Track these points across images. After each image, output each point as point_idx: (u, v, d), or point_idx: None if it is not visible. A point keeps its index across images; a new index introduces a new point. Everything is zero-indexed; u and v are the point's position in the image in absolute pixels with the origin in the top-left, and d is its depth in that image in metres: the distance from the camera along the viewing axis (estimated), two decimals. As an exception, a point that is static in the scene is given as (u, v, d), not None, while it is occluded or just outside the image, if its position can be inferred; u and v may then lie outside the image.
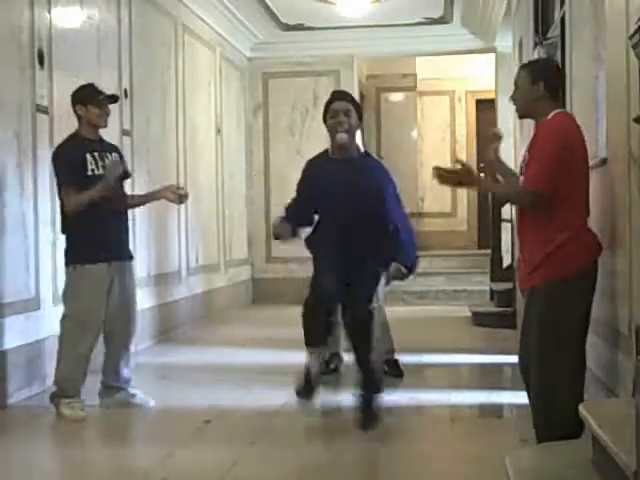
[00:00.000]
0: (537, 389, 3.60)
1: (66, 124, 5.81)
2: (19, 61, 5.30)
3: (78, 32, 6.15)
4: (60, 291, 5.65)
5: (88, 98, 4.86)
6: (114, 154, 4.99)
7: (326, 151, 4.74)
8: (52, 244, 5.60)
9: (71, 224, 4.85)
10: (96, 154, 4.85)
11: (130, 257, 5.10)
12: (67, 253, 4.90)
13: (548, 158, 3.51)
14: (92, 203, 4.74)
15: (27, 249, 5.33)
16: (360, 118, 4.62)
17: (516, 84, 3.81)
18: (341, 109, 4.53)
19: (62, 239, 4.99)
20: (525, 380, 3.73)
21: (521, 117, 4.01)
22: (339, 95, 4.72)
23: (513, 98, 3.84)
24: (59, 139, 5.66)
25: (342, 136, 4.51)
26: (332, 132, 4.56)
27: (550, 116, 3.63)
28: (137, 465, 4.00)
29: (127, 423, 4.88)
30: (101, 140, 4.98)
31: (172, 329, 7.80)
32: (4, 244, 5.10)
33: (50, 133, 5.62)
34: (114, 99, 5.03)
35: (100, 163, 4.85)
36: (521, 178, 3.73)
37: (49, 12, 5.65)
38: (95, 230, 4.78)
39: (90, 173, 4.80)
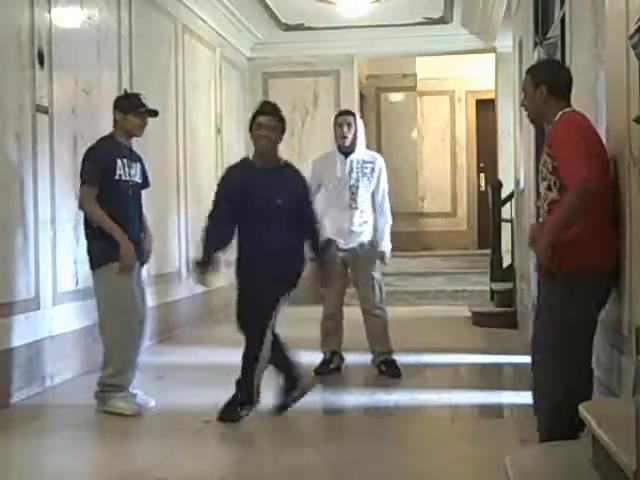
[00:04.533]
0: (543, 388, 3.60)
1: (66, 124, 5.83)
2: (19, 61, 5.30)
3: (78, 32, 6.15)
4: (60, 291, 5.67)
5: (130, 107, 4.97)
6: (138, 164, 5.09)
7: (246, 158, 4.89)
8: (52, 244, 5.60)
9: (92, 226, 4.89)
10: (126, 160, 4.95)
11: (142, 262, 5.14)
12: (95, 255, 4.91)
13: (575, 149, 3.45)
14: (114, 209, 4.82)
15: (27, 249, 5.33)
16: (282, 131, 4.78)
17: (524, 90, 3.81)
18: (264, 123, 4.68)
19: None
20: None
21: (532, 122, 4.00)
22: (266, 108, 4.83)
23: (523, 105, 3.85)
24: (59, 139, 5.68)
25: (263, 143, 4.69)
26: (255, 142, 4.73)
27: (558, 116, 3.63)
28: (137, 465, 4.00)
29: (127, 423, 4.87)
30: (130, 149, 5.08)
31: (172, 329, 7.80)
32: (4, 244, 5.10)
33: (50, 133, 5.62)
34: (155, 114, 5.14)
35: (127, 170, 4.94)
36: (543, 184, 3.70)
37: (49, 12, 5.64)
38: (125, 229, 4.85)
39: (117, 177, 4.88)
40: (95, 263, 4.91)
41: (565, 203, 3.47)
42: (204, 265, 4.69)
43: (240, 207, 4.68)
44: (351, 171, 5.82)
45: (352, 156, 5.85)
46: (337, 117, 5.97)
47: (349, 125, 5.83)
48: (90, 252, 4.93)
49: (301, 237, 4.74)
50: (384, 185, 5.98)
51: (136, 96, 5.13)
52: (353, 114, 6.03)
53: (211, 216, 4.84)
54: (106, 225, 4.79)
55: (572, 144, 3.49)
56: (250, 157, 4.86)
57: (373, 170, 5.89)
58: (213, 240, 4.73)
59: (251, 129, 4.73)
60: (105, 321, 4.95)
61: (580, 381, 3.55)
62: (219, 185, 4.89)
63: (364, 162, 5.88)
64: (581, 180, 3.40)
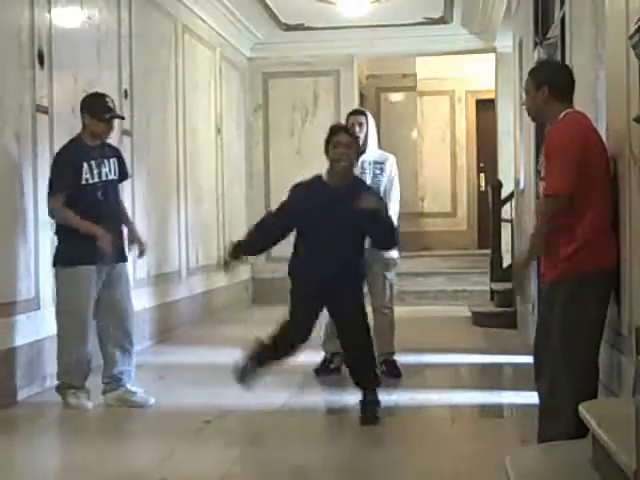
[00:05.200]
0: (548, 387, 3.60)
1: (66, 124, 5.82)
2: (19, 61, 5.30)
3: (78, 32, 6.15)
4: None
5: (97, 111, 4.97)
6: (113, 159, 5.08)
7: (319, 177, 4.79)
8: (52, 244, 5.60)
9: (63, 226, 4.97)
10: (93, 162, 4.95)
11: (124, 259, 5.17)
12: (61, 254, 5.01)
13: (562, 157, 3.50)
14: (83, 210, 4.88)
15: (27, 249, 5.33)
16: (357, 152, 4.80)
17: (526, 91, 3.82)
18: (344, 142, 4.64)
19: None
20: (536, 377, 3.74)
21: (534, 121, 4.01)
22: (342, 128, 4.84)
23: (525, 105, 3.85)
24: (59, 139, 5.67)
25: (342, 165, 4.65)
26: (332, 161, 4.68)
27: (561, 116, 3.64)
28: (137, 465, 4.00)
29: (127, 423, 4.87)
30: (102, 145, 5.06)
31: (172, 329, 7.80)
32: (4, 244, 5.10)
33: (50, 133, 5.62)
34: (121, 118, 5.33)
35: (96, 171, 4.96)
36: (541, 184, 3.72)
37: (49, 12, 5.64)
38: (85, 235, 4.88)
39: (84, 182, 4.91)
40: (58, 261, 5.00)
41: (542, 211, 3.64)
42: (236, 256, 4.74)
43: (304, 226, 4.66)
44: (363, 172, 5.76)
45: (363, 157, 5.76)
46: (348, 116, 5.92)
47: (360, 125, 5.77)
48: (57, 250, 5.02)
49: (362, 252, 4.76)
50: (397, 185, 5.93)
51: (103, 99, 5.08)
52: (365, 113, 5.96)
53: (266, 219, 4.89)
54: (77, 224, 4.87)
55: (563, 155, 3.51)
56: (323, 176, 4.76)
57: (384, 170, 5.85)
58: (249, 248, 4.82)
59: (327, 149, 4.69)
60: (57, 320, 5.03)
61: (590, 383, 3.56)
62: (289, 197, 4.79)
63: (375, 162, 5.83)
64: (553, 194, 3.53)
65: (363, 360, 4.69)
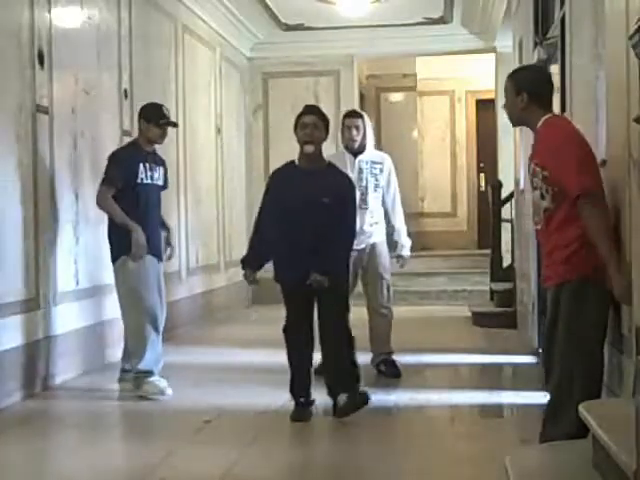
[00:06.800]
0: (555, 388, 3.60)
1: (66, 124, 5.83)
2: (19, 61, 5.30)
3: (78, 32, 6.15)
4: (60, 291, 5.67)
5: (152, 118, 5.38)
6: (161, 168, 5.53)
7: (292, 161, 4.84)
8: (52, 244, 5.60)
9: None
10: (147, 165, 5.38)
11: (161, 259, 5.55)
12: (113, 248, 5.31)
13: (567, 156, 3.48)
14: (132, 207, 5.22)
15: (27, 249, 5.33)
16: (327, 130, 4.76)
17: (505, 94, 3.81)
18: (310, 122, 4.67)
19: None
20: (547, 380, 3.74)
21: (514, 125, 4.03)
22: (309, 109, 4.81)
23: (504, 108, 3.86)
24: (59, 139, 5.69)
25: (308, 148, 4.67)
26: (300, 143, 4.72)
27: (541, 123, 3.65)
28: (137, 465, 4.00)
29: (127, 423, 4.88)
30: (154, 153, 5.51)
31: (172, 329, 7.78)
32: (4, 244, 5.09)
33: (50, 133, 5.62)
34: (174, 125, 5.72)
35: (149, 174, 5.38)
36: (535, 193, 3.70)
37: (49, 12, 5.64)
38: (145, 228, 5.25)
39: (139, 181, 5.31)
40: (113, 256, 5.32)
41: (590, 223, 3.44)
42: (250, 274, 4.84)
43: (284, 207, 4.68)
44: (361, 172, 5.79)
45: (361, 157, 5.82)
46: (345, 119, 5.93)
47: (357, 128, 5.79)
48: (110, 245, 5.33)
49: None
50: (395, 185, 5.98)
51: (159, 107, 5.49)
52: (361, 115, 5.97)
53: (258, 225, 4.89)
54: (119, 218, 5.20)
55: (564, 151, 3.50)
56: (296, 161, 4.81)
57: (382, 170, 5.88)
58: (256, 257, 4.85)
59: (296, 131, 4.72)
60: (123, 310, 5.33)
61: (594, 383, 3.56)
62: (267, 186, 4.90)
63: (373, 162, 5.86)
64: (585, 189, 3.43)
65: (338, 360, 4.70)
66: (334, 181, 4.73)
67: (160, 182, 5.51)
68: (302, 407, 4.71)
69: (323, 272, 4.55)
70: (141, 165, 5.31)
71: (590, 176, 3.50)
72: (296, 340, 4.73)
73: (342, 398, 4.59)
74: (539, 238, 3.90)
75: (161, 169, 5.53)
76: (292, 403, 4.76)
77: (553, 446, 3.37)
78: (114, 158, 5.37)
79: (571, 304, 3.56)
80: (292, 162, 4.82)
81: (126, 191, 5.22)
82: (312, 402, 4.74)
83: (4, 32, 5.14)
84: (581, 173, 3.46)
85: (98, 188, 5.30)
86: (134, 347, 5.26)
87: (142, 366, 5.19)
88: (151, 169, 5.39)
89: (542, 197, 3.63)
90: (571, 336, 3.54)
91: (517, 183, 8.15)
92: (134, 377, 5.22)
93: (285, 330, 4.79)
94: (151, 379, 5.19)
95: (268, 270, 4.85)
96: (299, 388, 4.73)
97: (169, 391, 5.19)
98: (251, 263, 4.83)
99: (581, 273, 3.53)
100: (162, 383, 5.21)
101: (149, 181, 5.37)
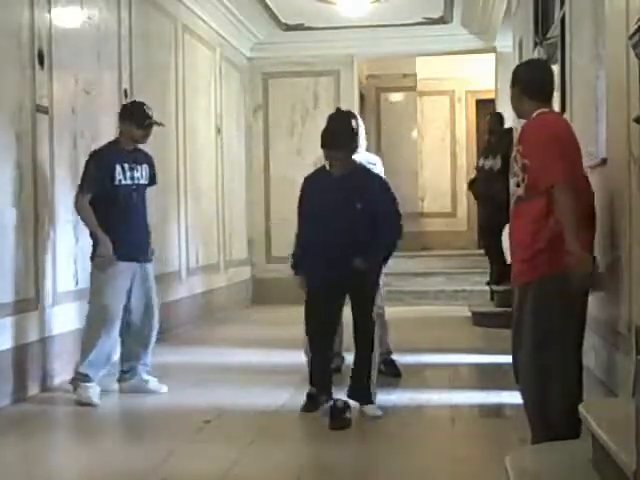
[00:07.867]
0: (529, 389, 3.61)
1: (66, 124, 5.82)
2: (19, 61, 5.30)
3: (78, 32, 6.15)
4: (60, 291, 5.67)
5: (135, 120, 5.27)
6: (144, 165, 5.38)
7: (323, 167, 4.90)
8: (52, 244, 5.60)
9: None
10: (126, 165, 5.26)
11: (151, 260, 5.46)
12: (94, 250, 5.23)
13: (548, 150, 3.49)
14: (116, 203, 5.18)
15: (27, 249, 5.33)
16: (353, 148, 4.86)
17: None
18: (338, 158, 4.74)
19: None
20: (517, 379, 3.75)
21: (518, 117, 4.07)
22: (334, 143, 4.80)
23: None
24: (59, 139, 5.69)
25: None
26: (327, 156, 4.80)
27: (534, 116, 3.66)
28: (137, 465, 4.00)
29: (127, 423, 4.87)
30: (136, 150, 5.38)
31: (172, 329, 7.79)
32: (4, 244, 5.09)
33: (50, 133, 5.62)
34: (160, 125, 5.57)
35: (128, 174, 5.26)
36: (513, 180, 3.73)
37: (49, 12, 5.64)
38: (123, 230, 5.18)
39: (117, 182, 5.21)
40: (91, 254, 5.25)
41: (563, 209, 3.42)
42: (302, 280, 4.84)
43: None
44: None
45: (354, 157, 5.79)
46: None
47: None
48: (93, 246, 5.24)
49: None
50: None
51: (141, 107, 5.36)
52: (354, 116, 5.94)
53: (300, 230, 4.92)
54: (90, 226, 5.18)
55: (544, 146, 3.50)
56: (326, 166, 4.87)
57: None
58: (302, 266, 4.86)
59: (323, 147, 4.77)
60: (89, 311, 5.24)
61: (571, 385, 3.54)
62: (301, 191, 4.95)
63: (368, 163, 5.83)
64: (558, 183, 3.43)
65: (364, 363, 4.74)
66: (365, 184, 4.80)
67: (143, 181, 5.36)
68: (314, 401, 4.78)
69: (363, 260, 4.65)
70: (118, 166, 5.19)
71: (568, 171, 3.46)
72: (322, 341, 4.81)
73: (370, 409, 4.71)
74: (509, 227, 3.91)
75: (144, 167, 5.39)
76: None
77: (553, 446, 3.37)
78: (92, 160, 5.25)
79: (535, 307, 3.56)
80: (323, 167, 4.89)
81: (104, 193, 5.15)
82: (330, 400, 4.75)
83: (4, 32, 5.14)
84: (559, 170, 3.45)
85: (75, 194, 5.24)
86: (83, 346, 5.20)
87: (82, 369, 5.12)
88: (131, 169, 5.27)
89: (518, 185, 3.66)
90: (539, 340, 3.54)
91: (517, 183, 8.14)
92: (73, 378, 5.17)
93: (310, 332, 4.83)
94: (87, 384, 5.07)
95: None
96: (320, 387, 4.80)
97: (99, 402, 5.02)
98: (302, 269, 4.85)
99: (543, 274, 3.52)
100: (93, 393, 5.03)
101: (128, 182, 5.25)
